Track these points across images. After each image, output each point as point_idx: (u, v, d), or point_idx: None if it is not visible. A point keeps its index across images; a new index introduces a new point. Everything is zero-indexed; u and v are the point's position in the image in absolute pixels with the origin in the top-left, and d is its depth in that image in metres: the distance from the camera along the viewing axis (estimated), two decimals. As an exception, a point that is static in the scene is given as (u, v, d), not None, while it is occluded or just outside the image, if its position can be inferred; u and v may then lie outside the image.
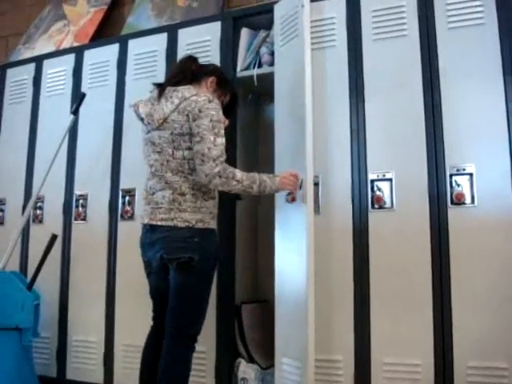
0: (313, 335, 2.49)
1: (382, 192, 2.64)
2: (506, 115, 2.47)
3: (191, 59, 2.64)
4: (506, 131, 2.47)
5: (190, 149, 2.38)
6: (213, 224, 2.46)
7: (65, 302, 3.39)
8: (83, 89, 3.53)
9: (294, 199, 2.64)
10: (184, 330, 2.40)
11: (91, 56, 3.61)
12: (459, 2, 2.61)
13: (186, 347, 2.40)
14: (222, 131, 2.38)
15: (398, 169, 2.64)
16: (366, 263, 2.63)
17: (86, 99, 3.34)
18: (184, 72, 2.55)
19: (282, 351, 2.70)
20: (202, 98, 2.38)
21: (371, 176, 2.67)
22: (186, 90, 2.43)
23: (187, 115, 2.36)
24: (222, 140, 2.36)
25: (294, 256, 2.68)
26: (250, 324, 3.03)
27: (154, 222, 2.42)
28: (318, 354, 2.52)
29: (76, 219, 3.45)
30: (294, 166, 2.68)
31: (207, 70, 2.63)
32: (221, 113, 2.40)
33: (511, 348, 2.36)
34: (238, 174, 2.36)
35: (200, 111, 2.34)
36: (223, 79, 2.68)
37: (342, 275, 2.66)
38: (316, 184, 2.66)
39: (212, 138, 2.32)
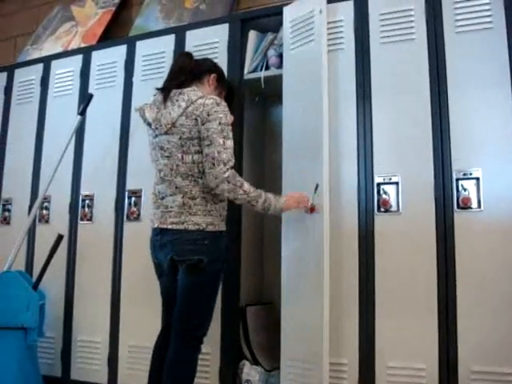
0: (327, 339, 2.51)
1: (388, 195, 2.64)
2: (514, 119, 2.47)
3: (188, 56, 2.65)
4: (512, 136, 2.47)
5: (199, 152, 2.38)
6: (222, 226, 2.46)
7: (70, 302, 3.40)
8: (90, 90, 3.54)
9: (312, 210, 2.62)
10: (191, 331, 2.40)
11: (99, 57, 3.62)
12: (467, 7, 2.61)
13: (193, 348, 2.41)
14: (231, 134, 2.39)
15: (404, 172, 2.64)
16: (371, 266, 2.62)
17: (93, 100, 3.35)
18: (185, 71, 2.55)
19: (289, 353, 2.70)
20: (209, 101, 2.38)
21: (377, 179, 2.66)
22: (191, 93, 2.43)
23: (195, 119, 2.37)
24: (231, 143, 2.37)
25: (302, 259, 2.69)
26: (255, 326, 3.03)
27: (164, 226, 2.42)
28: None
29: (82, 219, 3.45)
30: (304, 169, 2.70)
31: (207, 68, 2.64)
32: (229, 115, 2.41)
33: (516, 353, 2.36)
34: (246, 185, 2.37)
35: (208, 114, 2.35)
36: (222, 74, 2.71)
37: (347, 278, 2.65)
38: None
39: (221, 141, 2.33)
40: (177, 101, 2.43)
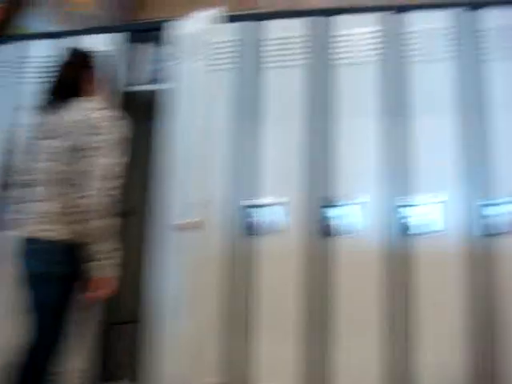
0: (194, 359, 2.52)
1: (261, 217, 2.66)
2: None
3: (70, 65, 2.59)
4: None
5: (78, 163, 2.31)
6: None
7: None
8: None
9: (188, 227, 2.59)
10: None
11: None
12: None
13: None
14: (118, 151, 2.34)
15: (290, 196, 2.68)
16: (244, 286, 2.64)
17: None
18: (69, 76, 2.51)
19: (159, 373, 2.65)
20: (100, 114, 2.35)
21: (254, 201, 2.69)
22: (87, 103, 2.40)
23: (84, 128, 2.32)
24: (114, 160, 2.32)
25: (171, 278, 2.66)
26: (121, 345, 2.97)
27: (31, 234, 2.33)
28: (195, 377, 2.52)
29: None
30: (186, 188, 2.69)
31: (82, 64, 2.58)
32: (120, 131, 2.37)
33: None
34: (110, 220, 2.30)
35: (97, 127, 2.31)
36: (89, 60, 2.62)
37: (216, 299, 2.67)
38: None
39: (104, 155, 2.29)
40: (71, 108, 2.38)
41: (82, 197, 2.25)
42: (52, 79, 2.54)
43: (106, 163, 2.29)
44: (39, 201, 2.36)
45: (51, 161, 2.37)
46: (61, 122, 2.38)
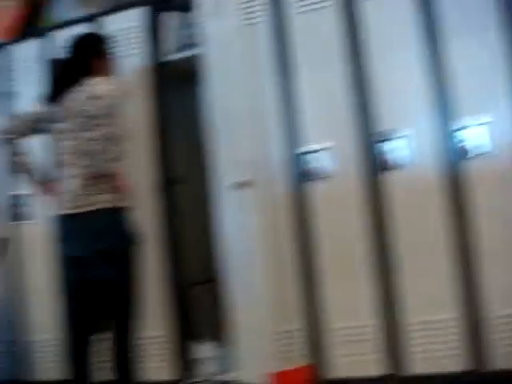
0: (270, 308, 2.61)
1: (319, 163, 2.69)
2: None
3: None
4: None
5: (93, 132, 2.42)
6: None
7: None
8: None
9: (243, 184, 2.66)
10: None
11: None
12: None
13: None
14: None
15: (333, 140, 2.69)
16: (309, 234, 2.69)
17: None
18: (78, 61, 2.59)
19: (238, 327, 2.72)
20: (105, 85, 2.48)
21: (306, 148, 2.71)
22: (94, 80, 2.50)
23: (92, 100, 2.43)
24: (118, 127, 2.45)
25: (240, 234, 2.73)
26: (203, 303, 3.06)
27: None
28: (274, 326, 2.60)
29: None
30: (233, 148, 2.73)
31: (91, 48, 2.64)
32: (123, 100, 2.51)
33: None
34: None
35: (100, 96, 2.43)
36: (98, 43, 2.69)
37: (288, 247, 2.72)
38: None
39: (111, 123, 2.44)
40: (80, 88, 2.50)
41: (106, 161, 2.40)
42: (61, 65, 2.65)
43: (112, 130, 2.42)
44: (73, 177, 2.45)
45: (72, 139, 2.47)
46: (74, 100, 2.47)
